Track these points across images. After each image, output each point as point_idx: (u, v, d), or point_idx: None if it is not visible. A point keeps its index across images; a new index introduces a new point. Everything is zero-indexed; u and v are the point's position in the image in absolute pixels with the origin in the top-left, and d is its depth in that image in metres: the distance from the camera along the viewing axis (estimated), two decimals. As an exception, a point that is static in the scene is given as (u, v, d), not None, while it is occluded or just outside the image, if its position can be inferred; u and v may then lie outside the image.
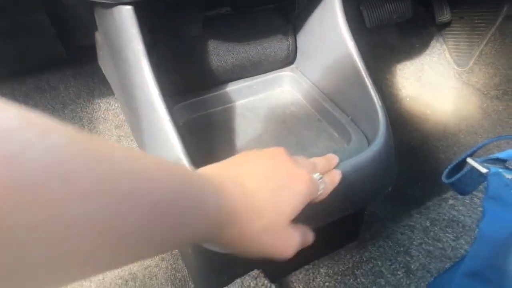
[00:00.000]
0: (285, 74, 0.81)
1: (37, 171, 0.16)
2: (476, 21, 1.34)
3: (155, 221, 0.23)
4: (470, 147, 1.24)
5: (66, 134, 0.19)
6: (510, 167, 0.44)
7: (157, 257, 0.92)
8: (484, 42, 1.33)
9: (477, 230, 0.70)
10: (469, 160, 0.45)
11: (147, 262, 0.92)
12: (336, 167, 0.52)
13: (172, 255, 0.93)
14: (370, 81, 0.64)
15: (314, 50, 0.75)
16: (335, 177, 0.47)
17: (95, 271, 0.21)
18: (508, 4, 1.23)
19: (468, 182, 0.46)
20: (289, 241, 0.37)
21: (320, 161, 0.47)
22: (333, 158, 0.51)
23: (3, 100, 0.17)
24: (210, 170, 0.35)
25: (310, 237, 0.41)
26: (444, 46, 1.45)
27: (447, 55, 1.44)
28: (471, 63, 1.38)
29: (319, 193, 0.41)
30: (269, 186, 0.35)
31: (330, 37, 0.70)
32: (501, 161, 0.44)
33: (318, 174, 0.42)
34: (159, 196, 0.23)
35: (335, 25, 0.68)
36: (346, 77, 0.68)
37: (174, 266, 0.91)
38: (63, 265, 0.18)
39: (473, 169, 0.45)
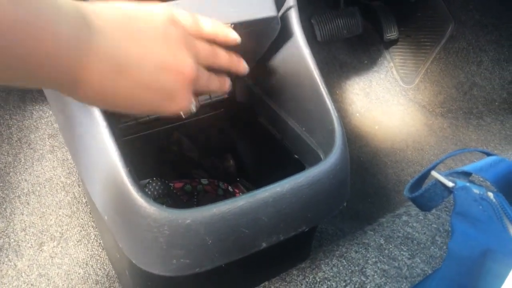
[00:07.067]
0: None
1: None
2: (422, 40, 1.38)
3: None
4: (417, 163, 1.25)
5: None
6: (474, 181, 0.42)
7: (91, 280, 0.83)
8: (430, 61, 1.36)
9: (432, 247, 0.69)
10: (434, 173, 0.42)
11: (80, 287, 0.82)
12: (289, 180, 0.49)
13: (108, 278, 0.84)
14: (326, 91, 0.61)
15: (267, 58, 0.72)
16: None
17: None
18: (452, 25, 1.27)
19: (431, 197, 0.43)
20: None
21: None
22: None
23: None
24: None
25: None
26: (391, 64, 1.47)
27: (394, 72, 1.46)
28: (417, 80, 1.41)
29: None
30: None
31: (285, 45, 0.67)
32: (466, 175, 0.42)
33: None
34: None
35: (290, 33, 0.65)
36: (301, 86, 0.65)
37: (110, 290, 0.82)
38: None
39: (437, 183, 0.42)
